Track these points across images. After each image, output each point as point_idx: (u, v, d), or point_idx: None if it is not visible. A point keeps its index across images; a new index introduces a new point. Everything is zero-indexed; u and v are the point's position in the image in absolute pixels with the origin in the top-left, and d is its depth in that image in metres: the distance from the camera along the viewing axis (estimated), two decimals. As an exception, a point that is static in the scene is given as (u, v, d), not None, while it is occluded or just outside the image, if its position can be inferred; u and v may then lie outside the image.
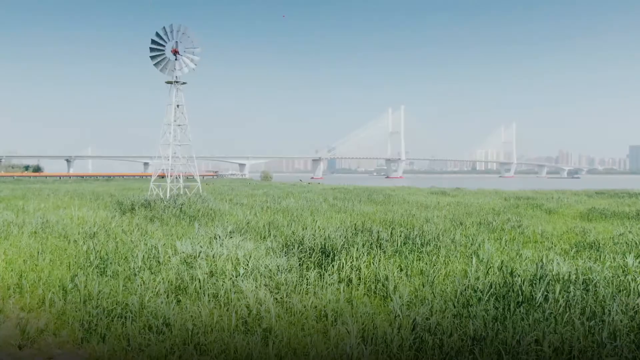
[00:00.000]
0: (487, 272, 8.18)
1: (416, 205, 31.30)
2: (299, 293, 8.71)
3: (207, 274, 9.04)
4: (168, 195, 28.20)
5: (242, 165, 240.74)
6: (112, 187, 62.70)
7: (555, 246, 13.61)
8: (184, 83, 32.01)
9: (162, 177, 31.12)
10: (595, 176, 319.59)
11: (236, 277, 9.02)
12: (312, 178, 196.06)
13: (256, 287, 8.59)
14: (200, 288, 8.41)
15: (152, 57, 30.26)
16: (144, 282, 8.29)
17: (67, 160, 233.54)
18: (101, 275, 9.75)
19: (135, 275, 8.83)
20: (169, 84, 31.59)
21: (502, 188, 71.91)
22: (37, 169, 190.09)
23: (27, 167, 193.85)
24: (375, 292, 9.18)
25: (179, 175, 31.35)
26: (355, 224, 14.36)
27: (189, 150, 31.78)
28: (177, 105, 31.08)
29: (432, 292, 7.85)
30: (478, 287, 7.45)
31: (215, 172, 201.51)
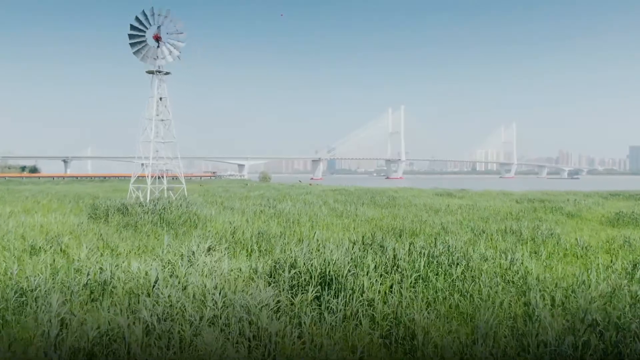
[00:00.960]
0: (587, 329, 5.36)
1: (425, 209, 28.59)
2: (288, 345, 6.03)
3: (156, 316, 6.33)
4: (148, 199, 25.31)
5: (241, 166, 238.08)
6: (103, 189, 59.89)
7: (612, 264, 10.91)
8: (167, 73, 28.70)
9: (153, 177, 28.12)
10: (595, 177, 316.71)
11: (200, 321, 6.32)
12: (312, 179, 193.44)
13: (226, 339, 5.89)
14: (141, 342, 5.69)
15: (132, 45, 27.17)
16: (61, 333, 5.54)
17: (64, 161, 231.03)
18: (20, 314, 7.04)
19: (50, 321, 6.10)
20: (150, 74, 28.54)
21: (506, 189, 69.12)
22: (34, 170, 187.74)
23: (23, 168, 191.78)
24: (396, 341, 6.50)
25: (162, 176, 28.41)
26: (364, 237, 11.63)
27: (174, 148, 28.69)
28: (160, 98, 28.00)
29: (492, 355, 5.12)
30: (567, 351, 4.75)
31: (214, 172, 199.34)
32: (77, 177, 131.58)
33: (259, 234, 14.29)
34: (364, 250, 10.67)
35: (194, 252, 9.93)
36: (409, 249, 10.39)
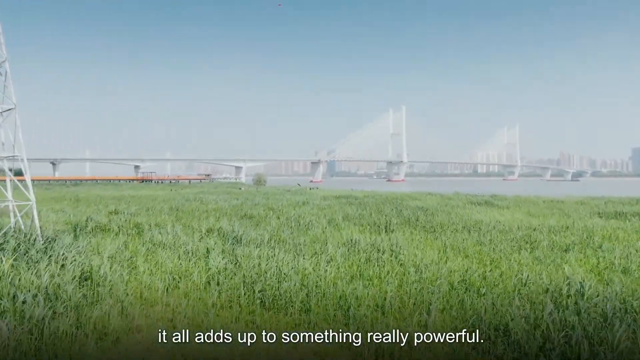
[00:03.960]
0: None
1: (504, 238, 16.72)
2: None
3: None
4: None
5: (238, 169, 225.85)
6: (50, 195, 48.24)
7: None
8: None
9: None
10: (599, 179, 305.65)
11: None
12: (312, 181, 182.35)
13: None
14: None
15: None
16: None
17: (52, 164, 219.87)
18: None
19: None
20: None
21: (521, 193, 57.35)
22: (19, 173, 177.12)
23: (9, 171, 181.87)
24: None
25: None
26: None
27: (15, 125, 14.68)
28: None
29: None
30: None
31: (208, 175, 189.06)
32: (49, 181, 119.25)
33: None
34: None
35: None
36: None
